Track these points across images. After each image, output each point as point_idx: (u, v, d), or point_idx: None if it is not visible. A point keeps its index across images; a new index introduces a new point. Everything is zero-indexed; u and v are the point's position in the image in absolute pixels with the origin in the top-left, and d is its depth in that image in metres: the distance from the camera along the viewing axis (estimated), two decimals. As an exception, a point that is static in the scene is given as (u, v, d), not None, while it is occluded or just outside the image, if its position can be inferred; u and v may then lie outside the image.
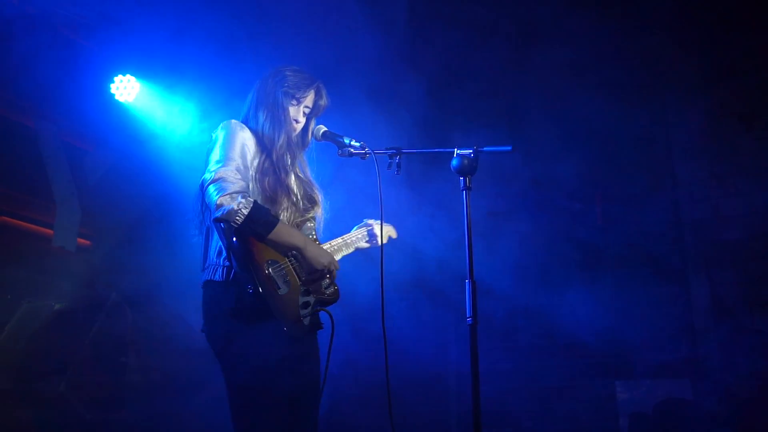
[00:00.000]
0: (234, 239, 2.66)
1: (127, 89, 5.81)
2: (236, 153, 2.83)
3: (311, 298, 2.84)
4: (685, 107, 6.33)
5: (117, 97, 5.83)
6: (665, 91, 6.39)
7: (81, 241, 6.31)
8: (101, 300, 5.07)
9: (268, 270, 2.71)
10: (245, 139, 2.91)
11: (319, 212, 3.13)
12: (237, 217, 2.62)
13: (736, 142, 6.07)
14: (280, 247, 2.79)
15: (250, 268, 2.66)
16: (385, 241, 3.43)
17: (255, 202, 2.70)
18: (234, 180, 2.71)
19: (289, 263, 2.83)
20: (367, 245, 3.40)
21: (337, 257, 3.15)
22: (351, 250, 3.31)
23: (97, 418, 4.75)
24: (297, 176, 3.10)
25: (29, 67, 5.28)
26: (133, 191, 6.12)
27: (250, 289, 2.64)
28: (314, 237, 3.06)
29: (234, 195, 2.65)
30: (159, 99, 5.98)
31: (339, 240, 3.24)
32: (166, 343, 5.70)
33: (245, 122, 3.06)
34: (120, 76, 5.82)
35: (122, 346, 5.12)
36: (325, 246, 3.12)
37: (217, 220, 2.66)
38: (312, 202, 3.10)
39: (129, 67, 5.82)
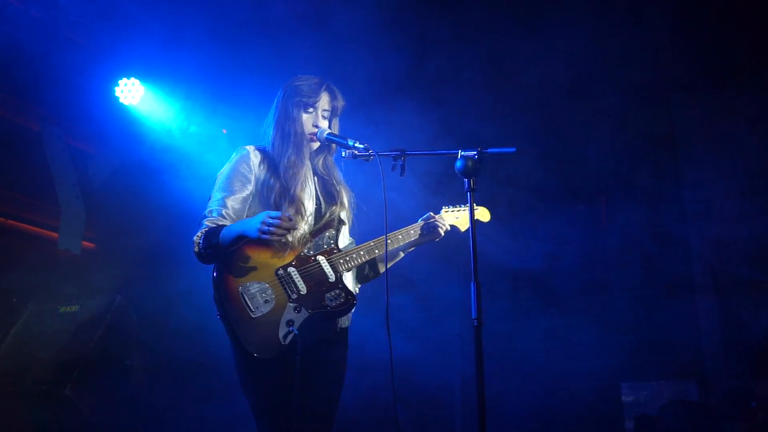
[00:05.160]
0: (215, 273, 2.78)
1: (131, 92, 5.83)
2: (222, 188, 2.95)
3: (300, 315, 2.79)
4: (689, 108, 6.32)
5: (121, 100, 5.85)
6: (670, 91, 6.38)
7: (86, 243, 6.33)
8: (106, 303, 5.07)
9: (240, 293, 2.73)
10: (244, 166, 2.97)
11: (344, 212, 3.10)
12: (202, 257, 2.82)
13: (740, 142, 6.05)
14: (234, 245, 2.78)
15: (221, 295, 2.74)
16: (464, 228, 3.32)
17: (205, 231, 2.81)
18: (202, 224, 2.87)
19: (277, 280, 2.81)
20: (422, 239, 3.21)
21: (357, 261, 3.01)
22: (399, 244, 3.14)
23: (102, 421, 4.75)
24: (319, 179, 3.11)
25: (34, 71, 5.30)
26: (137, 194, 6.14)
27: (218, 315, 2.76)
28: (332, 247, 2.98)
29: (193, 241, 2.83)
30: (163, 102, 6.00)
31: (375, 240, 3.06)
32: (172, 346, 5.71)
33: (262, 140, 3.12)
34: (124, 80, 5.84)
35: (127, 349, 5.12)
36: (357, 248, 3.04)
37: (200, 262, 2.87)
38: (332, 201, 3.07)
39: (133, 70, 5.84)
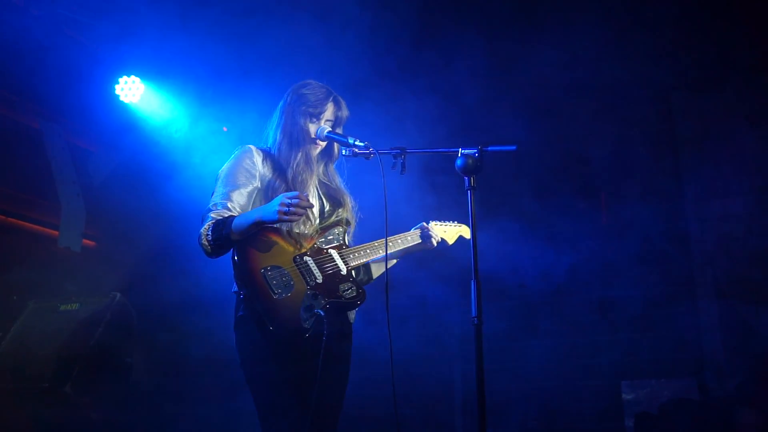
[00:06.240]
0: (236, 257, 2.80)
1: (131, 90, 5.83)
2: (226, 182, 2.96)
3: (319, 302, 2.82)
4: (689, 106, 6.31)
5: (122, 98, 5.85)
6: (671, 90, 6.37)
7: (86, 241, 6.33)
8: (107, 300, 5.07)
9: (263, 274, 2.76)
10: (248, 162, 3.00)
11: (347, 215, 3.16)
12: (207, 250, 2.84)
13: (741, 140, 6.05)
14: (250, 233, 2.82)
15: (244, 274, 2.77)
16: (451, 242, 3.51)
17: (213, 223, 2.83)
18: (204, 219, 2.89)
19: (295, 267, 2.85)
20: (417, 247, 3.34)
21: (370, 257, 3.11)
22: (399, 248, 3.24)
23: (103, 419, 4.75)
24: (321, 185, 3.16)
25: (34, 69, 5.30)
26: (137, 192, 6.14)
27: (240, 294, 2.80)
28: (341, 242, 3.06)
29: (200, 234, 2.84)
30: (163, 100, 5.99)
31: (378, 241, 3.15)
32: (173, 344, 5.72)
33: (264, 141, 3.16)
34: (125, 77, 5.83)
35: (127, 347, 5.12)
36: (363, 245, 3.12)
37: (209, 257, 2.88)
38: (337, 204, 3.14)
39: (133, 68, 5.83)
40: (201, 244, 2.84)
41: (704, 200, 6.13)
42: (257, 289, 2.74)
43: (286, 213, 2.71)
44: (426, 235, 3.34)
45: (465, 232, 3.57)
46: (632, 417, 5.63)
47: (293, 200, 2.71)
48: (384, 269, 3.29)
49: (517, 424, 6.18)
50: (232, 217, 2.83)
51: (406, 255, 3.37)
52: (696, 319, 5.94)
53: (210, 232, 2.81)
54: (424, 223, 3.40)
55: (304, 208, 2.75)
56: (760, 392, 5.01)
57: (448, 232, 3.51)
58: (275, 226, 2.86)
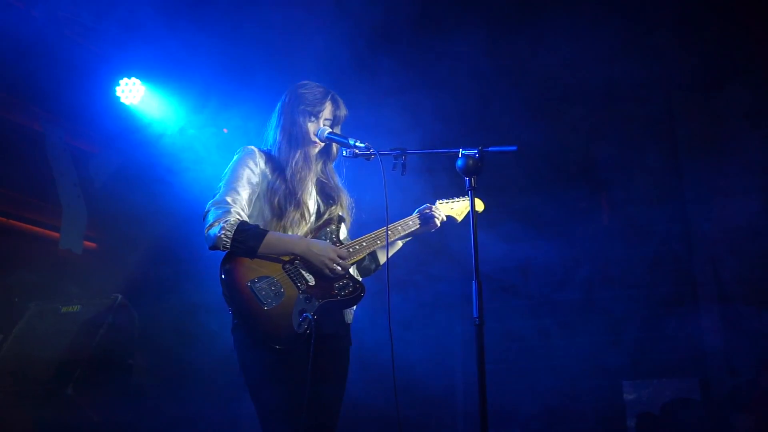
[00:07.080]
0: (222, 275, 2.78)
1: (132, 92, 5.84)
2: (236, 180, 2.94)
3: (312, 305, 2.81)
4: (691, 106, 6.30)
5: (122, 100, 5.85)
6: (671, 89, 6.36)
7: (87, 243, 6.33)
8: (108, 302, 5.07)
9: (249, 287, 2.75)
10: (252, 163, 3.00)
11: (341, 211, 3.14)
12: (224, 243, 2.77)
13: (742, 140, 6.04)
14: (277, 255, 2.84)
15: (231, 291, 2.76)
16: (460, 218, 3.42)
17: (240, 222, 2.81)
18: (221, 209, 2.84)
19: (284, 274, 2.84)
20: (420, 230, 3.28)
21: (367, 250, 3.08)
22: (399, 235, 3.19)
23: (105, 420, 4.75)
24: (319, 183, 3.15)
25: (35, 71, 5.30)
26: (138, 193, 6.14)
27: (230, 310, 2.81)
28: (334, 240, 3.05)
29: (216, 224, 2.79)
30: (164, 101, 6.00)
31: (377, 231, 3.11)
32: (174, 346, 5.72)
33: (265, 143, 3.17)
34: (125, 79, 5.84)
35: (129, 348, 5.12)
36: (359, 239, 3.08)
37: (211, 249, 2.83)
38: (332, 201, 3.13)
39: (134, 70, 5.84)
40: (215, 235, 2.77)
41: (708, 200, 6.12)
42: (245, 304, 2.73)
43: (331, 271, 2.85)
44: (427, 217, 3.28)
45: (476, 205, 3.40)
46: (634, 417, 5.63)
47: (340, 265, 2.86)
48: (392, 254, 3.25)
49: (518, 424, 6.17)
50: (264, 231, 2.82)
51: (412, 237, 3.31)
52: (699, 319, 5.93)
53: (234, 232, 2.77)
54: (429, 204, 3.34)
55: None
56: (761, 394, 5.00)
57: (455, 208, 3.42)
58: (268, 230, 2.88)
